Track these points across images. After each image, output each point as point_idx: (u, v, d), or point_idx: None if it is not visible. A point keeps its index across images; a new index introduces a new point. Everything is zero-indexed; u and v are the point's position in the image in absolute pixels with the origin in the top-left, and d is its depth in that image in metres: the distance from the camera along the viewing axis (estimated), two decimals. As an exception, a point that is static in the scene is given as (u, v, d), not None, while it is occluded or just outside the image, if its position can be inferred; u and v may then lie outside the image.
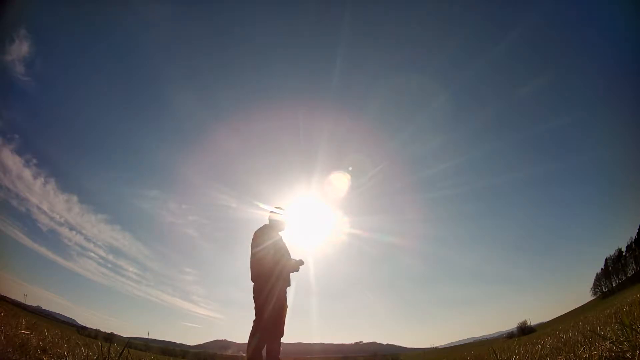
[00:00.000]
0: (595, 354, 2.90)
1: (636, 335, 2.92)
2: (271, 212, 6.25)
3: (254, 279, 5.74)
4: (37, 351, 3.64)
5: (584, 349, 3.50)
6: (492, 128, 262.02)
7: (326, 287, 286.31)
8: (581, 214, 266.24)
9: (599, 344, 3.28)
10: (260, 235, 5.92)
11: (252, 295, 5.69)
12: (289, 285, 5.90)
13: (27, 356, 3.36)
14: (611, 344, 2.97)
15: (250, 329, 5.54)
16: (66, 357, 3.64)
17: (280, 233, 6.14)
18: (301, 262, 5.98)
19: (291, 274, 5.97)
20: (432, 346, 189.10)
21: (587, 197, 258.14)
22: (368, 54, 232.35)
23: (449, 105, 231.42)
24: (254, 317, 5.61)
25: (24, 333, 4.57)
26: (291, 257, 6.03)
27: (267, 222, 6.18)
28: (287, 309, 5.79)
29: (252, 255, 5.81)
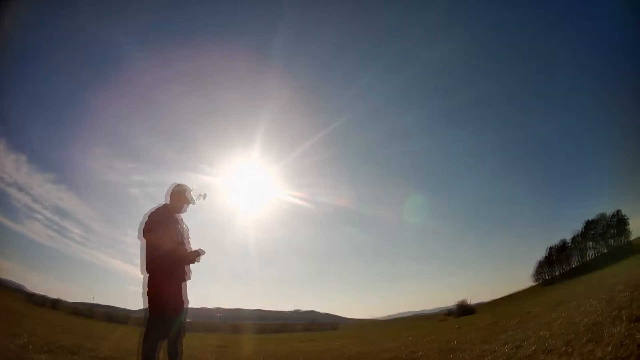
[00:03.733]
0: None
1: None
2: (173, 190, 5.38)
3: (148, 269, 4.84)
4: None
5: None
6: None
7: (266, 253, 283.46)
8: (529, 201, 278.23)
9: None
10: (156, 218, 4.99)
11: (147, 289, 4.78)
12: (189, 278, 5.18)
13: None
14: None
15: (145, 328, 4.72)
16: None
17: (181, 215, 5.44)
18: (201, 252, 5.17)
19: (193, 264, 5.25)
20: (370, 318, 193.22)
21: (537, 184, 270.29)
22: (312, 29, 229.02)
23: (379, 72, 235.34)
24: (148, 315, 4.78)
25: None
26: (191, 245, 5.38)
27: (166, 201, 5.36)
28: (187, 306, 5.13)
29: (146, 243, 4.89)
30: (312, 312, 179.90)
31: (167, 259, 4.83)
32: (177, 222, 5.25)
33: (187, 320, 5.21)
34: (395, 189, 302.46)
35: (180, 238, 5.19)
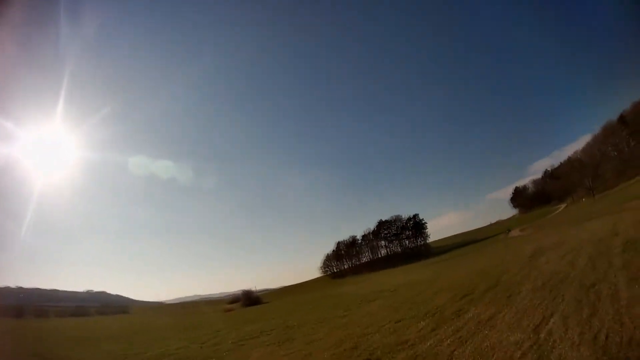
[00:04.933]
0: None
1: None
2: None
3: None
4: None
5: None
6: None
7: (61, 227, 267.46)
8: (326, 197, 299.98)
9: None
10: None
11: None
12: None
13: None
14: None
15: None
16: None
17: None
18: None
19: None
20: (159, 300, 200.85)
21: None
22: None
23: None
24: None
25: None
26: None
27: None
28: None
29: None
30: (104, 293, 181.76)
31: None
32: None
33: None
34: (195, 168, 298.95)
35: None
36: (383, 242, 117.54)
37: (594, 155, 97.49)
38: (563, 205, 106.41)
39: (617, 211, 32.89)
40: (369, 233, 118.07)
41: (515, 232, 72.33)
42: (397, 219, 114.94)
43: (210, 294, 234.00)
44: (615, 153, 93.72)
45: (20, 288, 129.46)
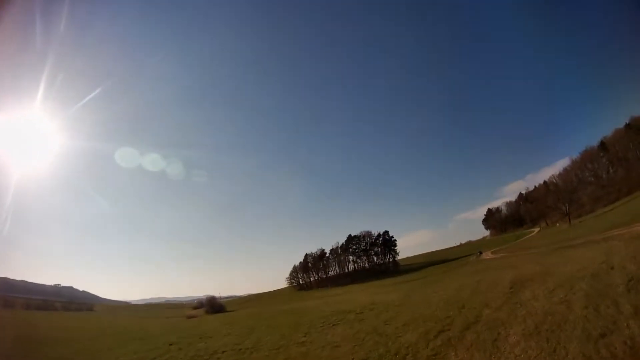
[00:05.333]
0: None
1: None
2: None
3: None
4: None
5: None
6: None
7: (37, 217, 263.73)
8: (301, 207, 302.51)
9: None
10: None
11: None
12: None
13: None
14: None
15: None
16: None
17: None
18: None
19: None
20: (125, 300, 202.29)
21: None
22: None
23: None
24: None
25: None
26: None
27: None
28: None
29: None
30: (71, 288, 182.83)
31: None
32: None
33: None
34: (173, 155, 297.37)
35: None
36: (351, 257, 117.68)
37: (571, 180, 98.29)
38: (536, 229, 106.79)
39: (601, 239, 31.32)
40: (337, 247, 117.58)
41: (487, 255, 71.19)
42: (367, 234, 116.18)
43: (176, 297, 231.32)
44: (593, 179, 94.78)
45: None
